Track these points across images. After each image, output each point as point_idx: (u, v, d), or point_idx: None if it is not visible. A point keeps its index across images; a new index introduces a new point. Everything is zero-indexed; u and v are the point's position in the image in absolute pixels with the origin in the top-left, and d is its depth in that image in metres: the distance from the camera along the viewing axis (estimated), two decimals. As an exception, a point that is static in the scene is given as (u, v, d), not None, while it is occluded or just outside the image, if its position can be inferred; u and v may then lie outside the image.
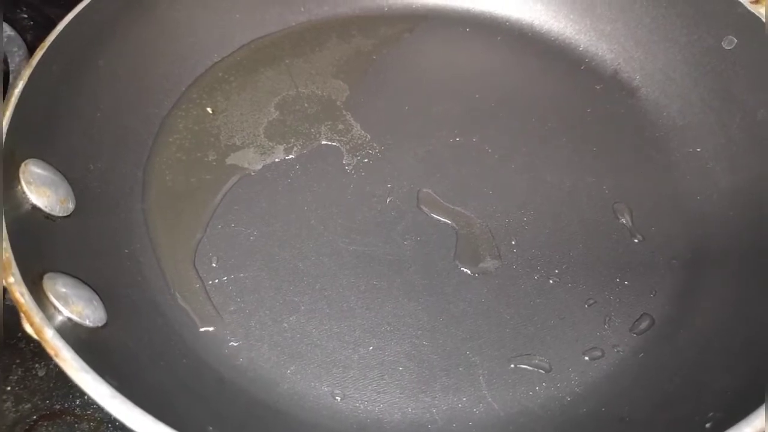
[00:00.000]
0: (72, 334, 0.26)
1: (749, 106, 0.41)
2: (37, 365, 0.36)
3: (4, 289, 0.26)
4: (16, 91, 0.33)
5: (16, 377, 0.35)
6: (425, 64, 0.48)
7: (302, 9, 0.50)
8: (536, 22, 0.50)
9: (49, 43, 0.36)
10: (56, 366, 0.35)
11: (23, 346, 0.36)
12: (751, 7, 0.41)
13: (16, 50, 0.49)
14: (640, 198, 0.40)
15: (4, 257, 0.27)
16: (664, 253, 0.38)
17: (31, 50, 0.49)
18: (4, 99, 0.34)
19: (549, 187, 0.40)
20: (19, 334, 0.36)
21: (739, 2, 0.41)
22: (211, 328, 0.33)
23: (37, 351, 0.36)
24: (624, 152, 0.43)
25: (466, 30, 0.50)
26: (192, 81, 0.45)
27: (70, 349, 0.24)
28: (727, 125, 0.41)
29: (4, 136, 0.31)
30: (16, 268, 0.26)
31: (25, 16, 0.54)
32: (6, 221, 0.28)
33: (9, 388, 0.35)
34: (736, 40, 0.42)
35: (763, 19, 0.40)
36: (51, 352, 0.24)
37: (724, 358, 0.33)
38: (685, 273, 0.37)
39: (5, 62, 0.48)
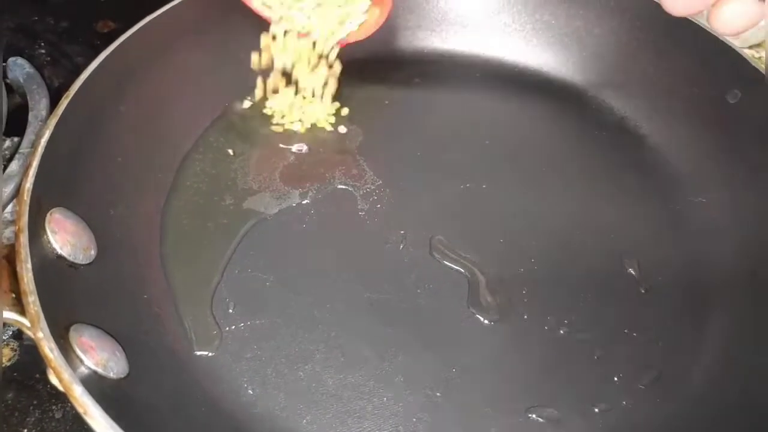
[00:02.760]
0: (97, 387, 0.27)
1: (753, 160, 0.42)
2: (54, 407, 0.36)
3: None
4: (43, 141, 0.34)
5: (33, 419, 0.35)
6: (435, 109, 0.49)
7: (317, 53, 0.51)
8: (545, 69, 0.52)
9: (75, 90, 0.37)
10: (73, 408, 0.36)
11: (40, 387, 0.37)
12: (755, 63, 0.42)
13: (35, 88, 0.50)
14: (646, 248, 0.41)
15: (32, 311, 0.27)
16: (669, 304, 0.39)
17: (49, 88, 0.50)
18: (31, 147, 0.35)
19: (558, 237, 0.41)
20: (37, 375, 0.37)
21: (743, 58, 0.43)
22: (227, 376, 0.34)
23: (54, 393, 0.36)
24: (630, 201, 0.44)
25: (476, 75, 0.52)
26: (209, 124, 0.46)
27: (98, 407, 0.25)
28: (731, 177, 0.43)
29: (31, 186, 0.32)
30: (44, 323, 0.27)
31: (43, 51, 0.56)
32: (33, 273, 0.29)
33: (26, 431, 0.35)
34: (740, 95, 0.43)
35: (765, 73, 0.42)
36: (80, 410, 0.25)
37: (728, 414, 0.33)
38: (690, 324, 0.38)
39: (23, 96, 0.49)
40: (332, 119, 0.47)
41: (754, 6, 0.31)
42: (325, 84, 0.47)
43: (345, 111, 0.48)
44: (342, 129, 0.47)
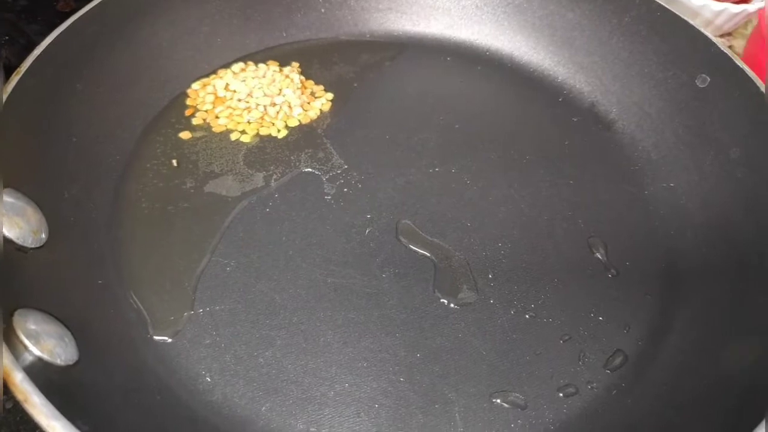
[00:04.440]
0: (42, 374, 0.26)
1: (722, 144, 0.42)
2: (4, 396, 0.35)
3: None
4: (-10, 118, 0.33)
5: (-17, 411, 0.34)
6: (405, 92, 0.48)
7: (284, 34, 0.50)
8: (516, 53, 0.51)
9: (26, 67, 0.36)
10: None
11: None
12: (724, 48, 0.42)
13: (-10, 67, 0.48)
14: (614, 232, 0.41)
15: (-27, 295, 0.26)
16: (637, 288, 0.38)
17: (6, 68, 0.48)
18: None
19: (526, 220, 0.41)
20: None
21: (713, 42, 0.43)
22: (185, 363, 0.33)
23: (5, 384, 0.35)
24: (599, 186, 0.43)
25: (446, 59, 0.51)
26: (168, 104, 0.45)
27: (41, 394, 0.24)
28: (700, 162, 0.42)
29: (-25, 165, 0.30)
30: (-15, 307, 0.26)
31: (1, 30, 0.53)
32: (-24, 256, 0.27)
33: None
34: (709, 79, 0.43)
35: (735, 60, 0.41)
36: (20, 397, 0.24)
37: (694, 396, 0.33)
38: (658, 309, 0.38)
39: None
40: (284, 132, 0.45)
41: None
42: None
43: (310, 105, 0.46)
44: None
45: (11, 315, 0.27)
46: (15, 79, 0.35)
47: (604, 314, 0.37)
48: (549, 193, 0.43)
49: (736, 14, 0.55)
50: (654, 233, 0.41)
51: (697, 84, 0.43)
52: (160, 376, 0.32)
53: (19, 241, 0.31)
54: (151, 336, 0.34)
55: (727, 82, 0.42)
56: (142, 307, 0.35)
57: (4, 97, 0.34)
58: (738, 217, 0.39)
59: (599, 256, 0.39)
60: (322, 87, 0.47)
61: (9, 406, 0.34)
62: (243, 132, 0.44)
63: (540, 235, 0.40)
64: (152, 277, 0.36)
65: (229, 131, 0.44)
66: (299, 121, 0.45)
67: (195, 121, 0.44)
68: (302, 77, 0.48)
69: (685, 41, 0.45)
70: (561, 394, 0.34)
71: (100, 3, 0.41)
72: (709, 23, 0.56)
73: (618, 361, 0.35)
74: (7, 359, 0.24)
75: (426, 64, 0.50)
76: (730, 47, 0.58)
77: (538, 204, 0.42)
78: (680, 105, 0.45)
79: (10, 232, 0.31)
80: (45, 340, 0.27)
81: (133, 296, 0.35)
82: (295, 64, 0.48)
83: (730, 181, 0.41)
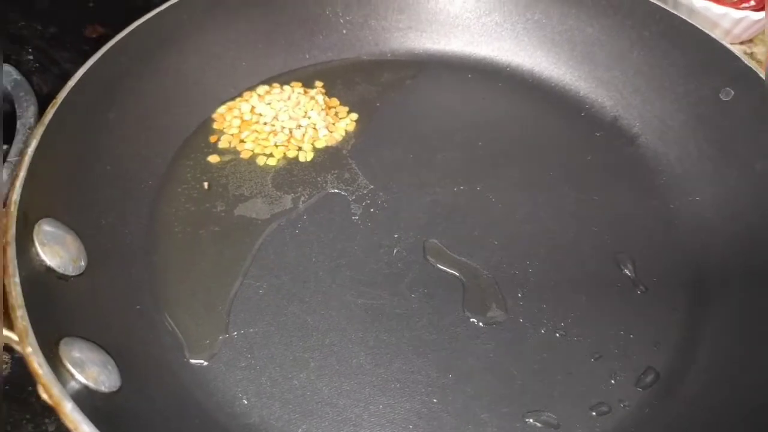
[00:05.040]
0: (88, 402, 0.27)
1: (747, 157, 0.42)
2: (47, 420, 0.36)
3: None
4: (30, 150, 0.34)
5: (26, 433, 0.35)
6: (428, 111, 0.49)
7: (307, 56, 0.51)
8: (536, 69, 0.52)
9: (62, 99, 0.37)
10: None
11: (33, 400, 0.36)
12: (748, 61, 0.42)
13: (23, 95, 0.49)
14: (641, 248, 0.41)
15: (20, 326, 0.27)
16: (666, 304, 0.39)
17: (37, 95, 0.50)
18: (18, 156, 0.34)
19: (552, 238, 0.41)
20: (30, 387, 0.36)
21: (736, 56, 0.43)
22: (222, 386, 0.34)
23: (47, 406, 0.35)
24: (625, 201, 0.44)
25: (467, 76, 0.51)
26: (197, 129, 0.46)
27: (90, 423, 0.24)
28: (725, 175, 0.42)
29: (18, 197, 0.31)
30: (33, 338, 0.27)
31: (31, 58, 0.55)
32: (21, 286, 0.28)
33: (19, 445, 0.35)
34: (733, 92, 0.43)
35: (759, 73, 0.41)
36: (70, 426, 0.25)
37: (727, 411, 0.33)
38: (687, 324, 0.38)
39: (11, 103, 0.49)
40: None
41: None
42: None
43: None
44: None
45: (57, 344, 0.28)
46: (51, 111, 0.36)
47: (634, 331, 0.37)
48: (574, 210, 0.43)
49: (757, 21, 0.55)
50: (681, 248, 0.41)
51: (721, 97, 0.44)
52: (198, 399, 0.33)
53: (60, 270, 0.32)
54: (188, 360, 0.34)
55: (751, 95, 0.42)
56: (177, 331, 0.35)
57: (42, 130, 0.35)
58: (765, 229, 0.39)
59: (627, 272, 0.40)
60: (346, 108, 0.48)
61: (52, 429, 0.35)
62: (270, 155, 0.44)
63: (567, 253, 0.40)
64: (187, 301, 0.37)
65: (256, 155, 0.44)
66: (325, 142, 0.45)
67: (222, 145, 0.45)
68: (326, 97, 0.48)
69: (707, 54, 0.45)
70: (594, 413, 0.34)
71: (129, 33, 0.42)
72: (729, 32, 0.56)
73: (650, 378, 0.35)
74: (56, 388, 0.25)
75: (447, 81, 0.51)
76: (750, 54, 0.58)
77: (564, 221, 0.42)
78: (703, 118, 0.45)
79: (51, 261, 0.32)
80: (89, 368, 0.28)
81: (169, 320, 0.36)
82: (319, 84, 0.49)
83: (756, 194, 0.41)
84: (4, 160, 0.44)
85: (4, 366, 0.37)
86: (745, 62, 0.42)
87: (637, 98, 0.48)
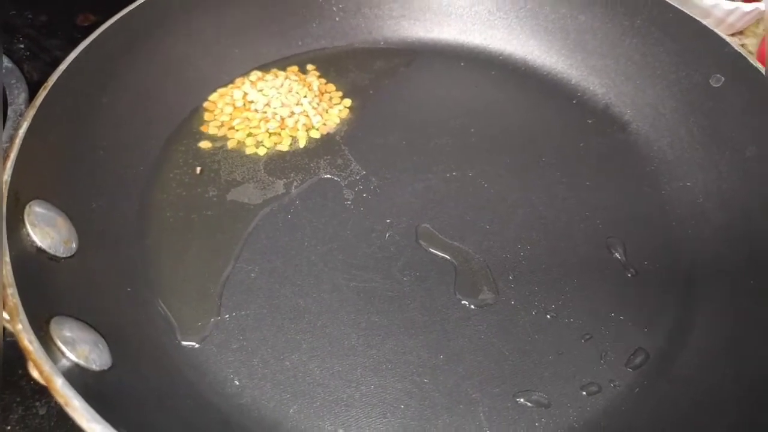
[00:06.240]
0: (79, 379, 0.26)
1: (737, 142, 0.42)
2: (37, 403, 0.36)
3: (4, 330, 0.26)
4: (20, 132, 0.34)
5: (16, 416, 0.35)
6: (421, 98, 0.49)
7: (299, 43, 0.51)
8: (529, 57, 0.52)
9: (52, 82, 0.37)
10: (57, 404, 0.35)
11: (24, 384, 0.36)
12: (738, 47, 0.43)
13: (14, 82, 0.49)
14: (632, 232, 0.41)
15: (11, 303, 0.27)
16: (657, 287, 0.39)
17: (28, 82, 0.50)
18: (9, 141, 0.34)
19: (544, 222, 0.41)
20: (20, 371, 0.36)
21: (726, 42, 0.43)
22: (214, 367, 0.34)
23: (38, 389, 0.36)
24: (616, 186, 0.44)
25: (460, 64, 0.51)
26: (189, 115, 0.46)
27: (81, 398, 0.24)
28: (716, 161, 0.43)
29: (9, 178, 0.31)
30: (24, 315, 0.27)
31: (22, 47, 0.55)
32: (12, 265, 0.28)
33: (9, 428, 0.35)
34: (723, 79, 0.43)
35: (749, 59, 0.42)
36: (61, 401, 0.24)
37: (715, 395, 0.33)
38: (677, 307, 0.38)
39: (3, 94, 0.49)
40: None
41: None
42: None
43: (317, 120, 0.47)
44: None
45: (48, 323, 0.28)
46: (42, 94, 0.36)
47: (624, 313, 0.37)
48: (566, 195, 0.43)
49: (748, 13, 0.55)
50: (672, 232, 0.42)
51: (711, 84, 0.44)
52: (191, 380, 0.33)
53: (51, 251, 0.32)
54: (180, 341, 0.34)
55: (741, 81, 0.42)
56: (169, 314, 0.35)
57: (33, 112, 0.35)
58: (755, 214, 0.40)
59: (618, 256, 0.40)
60: (339, 94, 0.48)
61: (43, 411, 0.35)
62: (261, 142, 0.44)
63: (558, 237, 0.40)
64: (179, 284, 0.37)
65: (247, 141, 0.44)
66: (318, 129, 0.45)
67: (214, 132, 0.45)
68: (322, 81, 0.48)
69: (698, 41, 0.45)
70: (584, 393, 0.34)
71: (120, 18, 0.42)
72: (720, 22, 0.56)
73: (639, 359, 0.36)
74: (47, 365, 0.25)
75: (440, 69, 0.51)
76: (742, 46, 0.58)
77: (556, 206, 0.42)
78: (694, 105, 0.45)
79: (42, 242, 0.32)
80: (80, 347, 0.28)
81: (161, 303, 0.36)
82: (312, 67, 0.49)
83: (746, 180, 0.41)
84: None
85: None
86: (735, 48, 0.42)
87: (628, 85, 0.48)
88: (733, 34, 0.60)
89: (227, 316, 0.36)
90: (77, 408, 0.24)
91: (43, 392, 0.36)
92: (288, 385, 0.33)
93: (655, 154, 0.46)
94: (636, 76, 0.48)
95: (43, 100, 0.36)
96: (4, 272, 0.28)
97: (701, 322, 0.37)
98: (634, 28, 0.48)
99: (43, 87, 0.36)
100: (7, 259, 0.28)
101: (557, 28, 0.51)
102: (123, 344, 0.31)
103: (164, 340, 0.34)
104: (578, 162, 0.45)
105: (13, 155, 0.32)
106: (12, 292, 0.27)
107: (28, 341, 0.26)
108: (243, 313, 0.36)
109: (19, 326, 0.26)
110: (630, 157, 0.46)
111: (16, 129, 0.34)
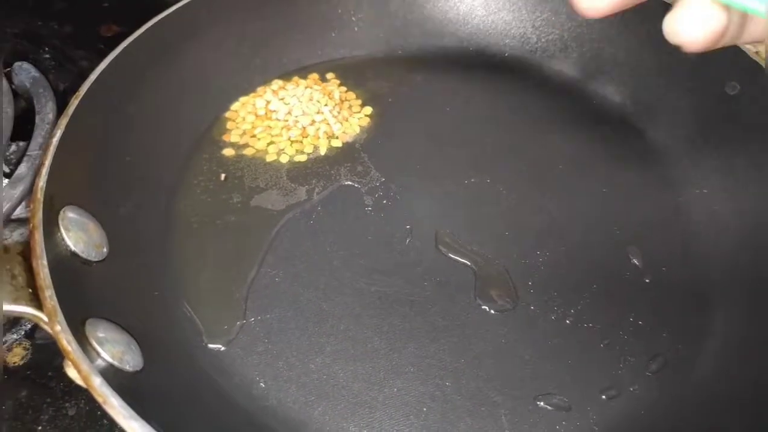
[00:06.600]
0: (114, 379, 0.27)
1: (753, 150, 0.42)
2: (67, 404, 0.36)
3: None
4: (54, 140, 0.35)
5: (47, 417, 0.36)
6: (439, 106, 0.50)
7: (319, 53, 0.52)
8: (545, 64, 0.52)
9: (84, 91, 0.38)
10: (86, 405, 0.36)
11: (53, 385, 0.37)
12: (753, 55, 0.43)
13: (42, 92, 0.50)
14: (650, 239, 0.42)
15: (49, 305, 0.28)
16: (675, 293, 0.39)
17: (55, 91, 0.51)
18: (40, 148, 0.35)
19: (562, 229, 0.42)
20: (50, 373, 0.37)
21: (742, 50, 0.43)
22: (240, 370, 0.34)
23: (68, 390, 0.37)
24: (633, 193, 0.44)
25: (477, 72, 0.52)
26: (213, 122, 0.47)
27: (118, 397, 0.25)
28: (732, 169, 0.43)
29: (44, 184, 0.32)
30: (61, 316, 0.27)
31: (48, 56, 0.56)
32: (49, 269, 0.29)
33: (40, 428, 0.35)
34: (738, 87, 0.44)
35: (764, 67, 0.42)
36: (99, 399, 0.25)
37: (734, 400, 0.34)
38: (695, 313, 0.38)
39: (30, 101, 0.50)
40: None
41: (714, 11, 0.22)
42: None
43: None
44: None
45: (83, 324, 0.29)
46: (74, 102, 0.37)
47: (643, 319, 0.38)
48: (583, 202, 0.44)
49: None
50: (689, 239, 0.42)
51: (727, 92, 0.44)
52: (218, 382, 0.33)
53: (84, 255, 0.33)
54: (206, 344, 0.35)
55: (757, 88, 0.43)
56: (195, 317, 0.36)
57: (66, 121, 0.36)
58: (772, 221, 0.40)
59: (636, 262, 0.40)
60: (359, 102, 0.49)
61: (72, 413, 0.36)
62: (283, 150, 0.45)
63: (576, 243, 0.41)
64: (204, 288, 0.38)
65: (269, 149, 0.45)
66: (338, 138, 0.46)
67: (237, 140, 0.46)
68: (342, 88, 0.49)
69: (714, 50, 0.45)
70: (604, 397, 0.34)
71: (146, 30, 0.43)
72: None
73: (658, 364, 0.36)
74: (85, 364, 0.26)
75: (457, 77, 0.52)
76: (756, 53, 0.58)
77: (573, 213, 0.43)
78: (710, 112, 0.45)
79: (75, 247, 0.33)
80: (114, 347, 0.29)
81: (187, 306, 0.37)
82: (331, 75, 0.50)
83: (763, 187, 0.41)
84: (24, 155, 0.45)
85: (25, 352, 0.38)
86: (751, 56, 0.43)
87: (645, 93, 0.49)
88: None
89: (252, 319, 0.36)
90: (115, 406, 0.25)
91: (72, 394, 0.37)
92: (312, 388, 0.34)
93: (672, 161, 0.46)
94: (652, 84, 0.49)
95: (75, 108, 0.37)
96: (41, 275, 0.29)
97: (719, 328, 0.38)
98: (649, 35, 0.49)
99: (75, 96, 0.37)
100: (45, 262, 0.29)
101: (574, 36, 0.52)
102: (152, 346, 0.32)
103: (191, 343, 0.35)
104: (595, 169, 0.46)
105: (48, 162, 0.33)
106: (50, 294, 0.28)
107: (67, 342, 0.27)
108: (268, 316, 0.37)
109: (58, 327, 0.27)
110: (647, 164, 0.46)
111: (50, 137, 0.35)
